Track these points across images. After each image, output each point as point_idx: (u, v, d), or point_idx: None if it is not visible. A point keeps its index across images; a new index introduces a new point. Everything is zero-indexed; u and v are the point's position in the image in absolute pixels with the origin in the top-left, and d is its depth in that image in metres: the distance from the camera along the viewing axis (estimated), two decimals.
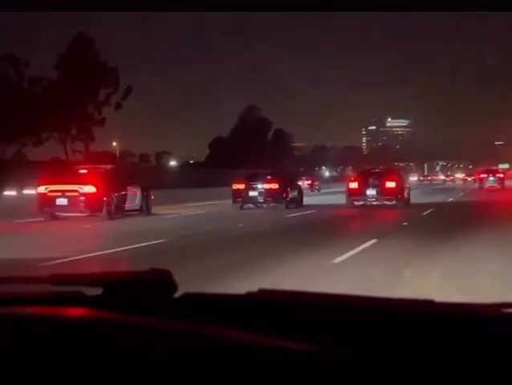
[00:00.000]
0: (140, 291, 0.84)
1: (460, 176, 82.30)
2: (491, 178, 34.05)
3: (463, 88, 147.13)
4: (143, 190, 14.18)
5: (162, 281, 0.85)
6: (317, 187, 36.30)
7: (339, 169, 76.08)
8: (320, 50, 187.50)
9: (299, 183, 19.58)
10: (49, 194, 12.97)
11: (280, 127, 56.96)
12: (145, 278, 0.85)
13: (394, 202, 15.14)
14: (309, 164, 61.57)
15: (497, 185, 32.38)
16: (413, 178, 72.08)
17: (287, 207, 15.83)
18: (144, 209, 14.09)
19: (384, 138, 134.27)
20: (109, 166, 15.17)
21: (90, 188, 12.74)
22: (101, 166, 14.59)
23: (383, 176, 15.67)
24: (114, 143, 55.70)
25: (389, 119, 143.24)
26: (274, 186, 16.21)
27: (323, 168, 70.23)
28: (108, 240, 8.67)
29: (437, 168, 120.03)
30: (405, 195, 15.91)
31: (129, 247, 7.52)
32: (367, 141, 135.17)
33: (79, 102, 33.74)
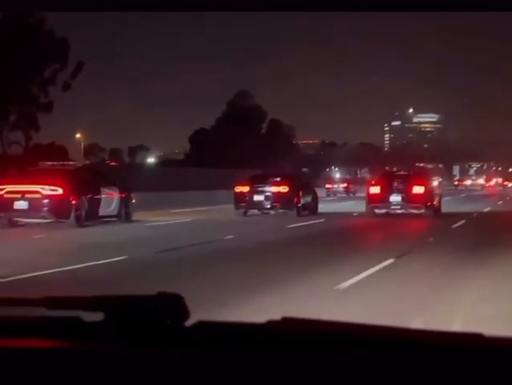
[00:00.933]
0: (146, 318, 0.84)
1: (493, 181, 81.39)
2: None
3: (502, 81, 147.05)
4: (121, 193, 13.68)
5: (172, 307, 0.85)
6: (353, 190, 36.65)
7: (353, 171, 74.55)
8: (335, 33, 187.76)
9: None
10: (5, 196, 12.41)
11: (276, 118, 54.84)
12: (152, 303, 0.86)
13: (422, 211, 14.73)
14: (316, 163, 60.28)
15: None
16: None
17: (299, 214, 15.36)
18: (123, 216, 13.70)
19: (410, 135, 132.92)
20: (80, 163, 14.59)
21: (55, 190, 12.25)
22: (71, 163, 14.02)
23: (410, 180, 15.20)
24: (78, 135, 54.74)
25: (416, 114, 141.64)
26: (284, 189, 15.56)
27: (334, 168, 68.99)
28: (55, 255, 7.92)
29: (471, 170, 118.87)
30: (435, 202, 15.40)
31: (77, 266, 6.86)
32: (391, 138, 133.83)
33: (19, 80, 29.19)
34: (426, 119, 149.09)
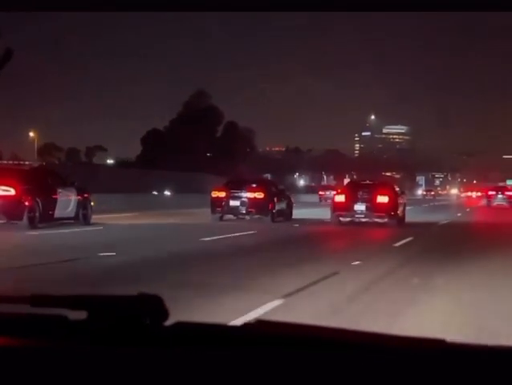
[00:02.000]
0: (128, 317, 0.89)
1: (454, 191, 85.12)
2: (500, 196, 36.85)
3: (469, 96, 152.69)
4: (79, 194, 13.58)
5: (151, 307, 0.90)
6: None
7: (317, 178, 74.83)
8: (310, 40, 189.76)
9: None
10: None
11: (233, 120, 53.17)
12: (133, 303, 0.91)
13: (386, 220, 15.18)
14: (279, 169, 60.21)
15: (505, 204, 34.89)
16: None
17: (273, 220, 16.09)
18: (81, 218, 13.53)
19: (380, 145, 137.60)
20: (36, 163, 14.38)
21: (7, 190, 12.22)
22: (24, 163, 13.81)
23: (374, 189, 15.65)
24: (31, 134, 53.49)
25: (386, 125, 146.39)
26: (259, 195, 16.23)
27: (297, 174, 69.23)
28: None
29: (437, 181, 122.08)
30: (399, 212, 15.89)
31: None
32: (361, 148, 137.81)
33: None
34: (395, 131, 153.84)
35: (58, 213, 13.17)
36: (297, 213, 17.95)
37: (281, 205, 16.83)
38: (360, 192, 15.41)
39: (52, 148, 63.52)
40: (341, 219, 15.38)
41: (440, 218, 19.92)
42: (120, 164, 54.82)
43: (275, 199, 16.57)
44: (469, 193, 70.94)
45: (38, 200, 12.60)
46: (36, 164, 14.35)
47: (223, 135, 51.72)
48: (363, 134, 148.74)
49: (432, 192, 76.34)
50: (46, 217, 12.77)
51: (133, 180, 31.82)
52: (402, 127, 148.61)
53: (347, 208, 15.24)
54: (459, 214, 24.65)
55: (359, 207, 15.19)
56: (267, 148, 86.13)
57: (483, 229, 16.41)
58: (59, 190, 13.29)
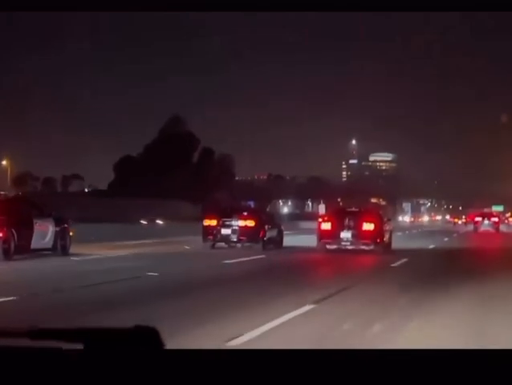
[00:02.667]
0: (123, 349, 0.92)
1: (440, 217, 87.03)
2: (486, 222, 38.19)
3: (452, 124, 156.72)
4: (57, 225, 13.41)
5: (148, 339, 0.92)
6: None
7: (301, 205, 74.67)
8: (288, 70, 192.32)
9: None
10: None
11: (208, 146, 52.51)
12: (129, 336, 0.93)
13: (372, 247, 15.30)
14: (262, 196, 60.02)
15: (491, 229, 36.36)
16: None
17: (264, 248, 16.30)
18: (59, 248, 13.38)
19: (367, 173, 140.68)
20: (11, 193, 14.16)
21: None
22: (1, 193, 13.61)
23: (360, 217, 15.79)
24: (3, 162, 53.02)
25: (372, 153, 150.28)
26: (250, 223, 16.52)
27: (281, 202, 69.17)
28: None
29: (423, 208, 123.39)
30: (386, 239, 16.05)
31: None
32: (348, 176, 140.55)
33: None
34: (382, 158, 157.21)
35: (34, 244, 13.02)
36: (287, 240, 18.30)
37: (272, 233, 17.15)
38: (346, 220, 15.52)
39: (28, 177, 62.93)
40: (327, 246, 15.47)
41: (427, 244, 20.27)
42: (92, 193, 54.30)
43: (266, 227, 16.87)
44: (456, 220, 72.25)
45: (14, 230, 12.43)
46: (12, 194, 14.06)
47: (199, 162, 51.27)
48: (350, 162, 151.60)
49: (420, 219, 77.52)
50: (21, 248, 12.62)
51: (109, 208, 31.69)
52: (388, 154, 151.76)
53: (333, 235, 15.40)
54: (446, 239, 25.86)
55: (345, 234, 15.33)
56: (255, 177, 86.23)
57: (472, 256, 16.56)
58: (36, 220, 13.13)
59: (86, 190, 61.21)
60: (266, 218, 17.71)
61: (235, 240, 16.30)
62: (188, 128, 51.48)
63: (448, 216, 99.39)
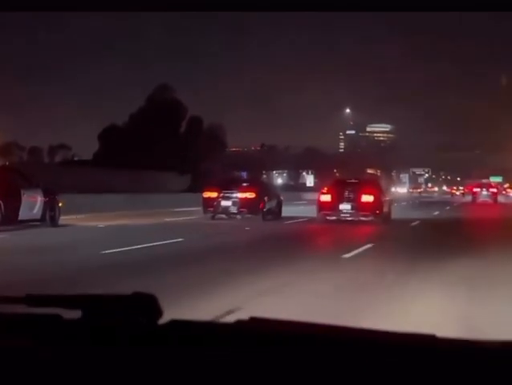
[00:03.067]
0: (122, 316, 0.92)
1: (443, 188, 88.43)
2: (484, 192, 38.33)
3: (451, 95, 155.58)
4: (46, 195, 13.18)
5: (146, 306, 0.92)
6: None
7: (295, 176, 73.60)
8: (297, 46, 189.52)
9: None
10: None
11: (196, 114, 50.66)
12: (127, 302, 0.93)
13: (371, 218, 15.48)
14: (255, 167, 59.26)
15: (490, 200, 36.63)
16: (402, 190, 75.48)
17: (264, 218, 16.64)
18: (48, 219, 13.17)
19: (364, 144, 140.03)
20: None
21: None
22: None
23: (359, 189, 15.96)
24: None
25: (370, 124, 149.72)
26: (250, 195, 16.79)
27: (274, 172, 68.63)
28: None
29: (421, 179, 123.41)
30: (385, 210, 16.24)
31: None
32: (346, 147, 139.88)
33: None
34: (379, 129, 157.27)
35: (22, 215, 12.88)
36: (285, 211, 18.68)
37: (271, 204, 17.45)
38: (346, 192, 15.73)
39: (14, 147, 62.28)
40: (327, 217, 15.67)
41: (425, 215, 20.48)
42: (77, 163, 53.56)
43: (266, 198, 17.12)
44: (453, 191, 72.90)
45: (1, 201, 12.17)
46: None
47: (186, 131, 49.53)
48: (348, 132, 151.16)
49: (419, 190, 78.00)
50: (9, 219, 12.47)
51: (94, 178, 31.38)
52: (386, 125, 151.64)
53: (332, 207, 15.67)
54: (448, 208, 27.48)
55: (345, 206, 15.63)
56: (251, 148, 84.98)
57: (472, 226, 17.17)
58: (24, 191, 12.94)
59: (75, 160, 60.47)
60: (266, 189, 18.06)
61: (235, 211, 16.56)
62: (176, 96, 49.91)
63: (445, 187, 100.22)
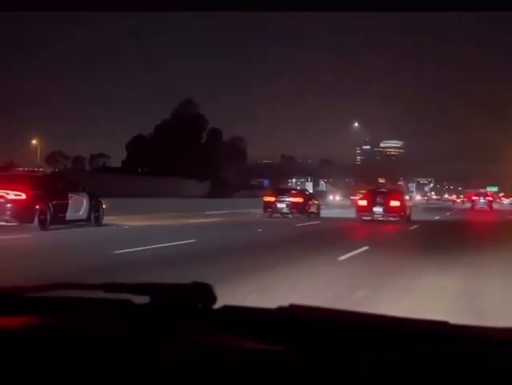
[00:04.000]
0: (183, 302, 1.03)
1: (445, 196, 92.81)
2: (481, 200, 43.06)
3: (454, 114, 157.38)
4: (91, 198, 13.85)
5: (203, 293, 1.03)
6: None
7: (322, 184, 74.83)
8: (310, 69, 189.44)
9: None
10: None
11: (216, 127, 53.04)
12: (188, 290, 1.04)
13: (397, 218, 18.92)
14: (275, 175, 60.49)
15: (486, 207, 41.21)
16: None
17: (309, 217, 20.60)
18: (92, 220, 13.80)
19: (378, 158, 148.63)
20: (49, 170, 14.63)
21: (19, 195, 12.48)
22: (38, 170, 14.12)
23: (388, 196, 19.60)
24: (34, 142, 53.72)
25: (383, 140, 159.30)
26: (299, 200, 21.41)
27: (294, 180, 70.04)
28: None
29: (426, 188, 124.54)
30: (407, 212, 19.85)
31: None
32: (362, 160, 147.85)
33: None
34: (391, 145, 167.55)
35: (70, 216, 13.55)
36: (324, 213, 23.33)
37: (314, 207, 22.15)
38: (378, 198, 19.36)
39: (59, 156, 64.98)
40: (363, 218, 19.05)
41: (435, 217, 25.06)
42: (108, 170, 54.96)
43: (310, 202, 21.87)
44: (454, 199, 77.41)
45: (50, 203, 12.84)
46: (49, 171, 14.56)
47: (206, 142, 52.05)
48: (364, 147, 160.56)
49: (425, 198, 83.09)
50: (57, 219, 13.02)
51: (122, 184, 32.06)
52: (397, 141, 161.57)
53: (368, 210, 19.25)
54: (448, 213, 31.01)
55: (377, 209, 19.19)
56: (274, 160, 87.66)
57: (469, 225, 21.12)
58: (71, 194, 13.57)
59: (107, 166, 61.72)
60: (310, 196, 23.25)
61: (288, 212, 20.81)
62: (198, 111, 52.14)
63: (447, 195, 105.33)
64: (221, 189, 43.78)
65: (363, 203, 19.63)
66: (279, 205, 21.02)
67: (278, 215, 20.77)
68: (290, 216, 20.61)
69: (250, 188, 49.94)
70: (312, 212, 21.55)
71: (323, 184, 76.93)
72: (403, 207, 19.23)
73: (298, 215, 20.52)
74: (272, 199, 21.30)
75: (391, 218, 18.66)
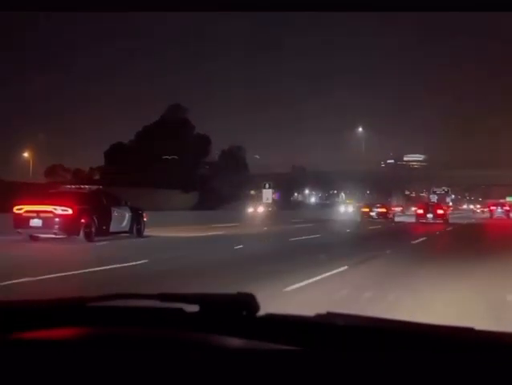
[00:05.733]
0: (229, 310, 1.16)
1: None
2: (499, 210, 49.45)
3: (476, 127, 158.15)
4: (133, 211, 15.71)
5: (247, 302, 1.16)
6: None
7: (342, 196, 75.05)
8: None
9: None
10: (24, 214, 14.11)
11: (204, 132, 48.78)
12: (233, 299, 1.17)
13: (441, 221, 31.28)
14: (286, 185, 60.24)
15: (503, 216, 47.98)
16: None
17: (392, 222, 33.25)
18: (135, 231, 15.60)
19: (401, 171, 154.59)
20: (94, 187, 16.36)
21: (66, 210, 14.20)
22: (84, 186, 15.78)
23: (436, 206, 33.75)
24: (25, 154, 54.79)
25: (406, 154, 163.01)
26: (384, 209, 35.86)
27: (307, 192, 69.42)
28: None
29: (448, 198, 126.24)
30: (447, 217, 33.01)
31: None
32: (386, 173, 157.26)
33: None
34: (414, 159, 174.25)
35: (113, 228, 15.32)
36: None
37: (390, 214, 35.77)
38: (429, 208, 32.85)
39: (59, 169, 66.17)
40: (420, 221, 31.66)
41: (463, 221, 35.35)
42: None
43: (391, 210, 36.48)
44: (475, 208, 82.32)
45: (94, 217, 14.53)
46: (94, 188, 16.32)
47: (194, 150, 48.12)
48: (388, 161, 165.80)
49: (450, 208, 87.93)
50: (101, 232, 14.91)
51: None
52: (420, 155, 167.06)
53: (423, 215, 32.27)
54: (473, 220, 40.10)
55: (429, 215, 32.16)
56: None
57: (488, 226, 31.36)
58: (114, 208, 15.34)
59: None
60: (390, 206, 38.35)
61: (376, 218, 33.75)
62: (186, 116, 48.74)
63: (465, 206, 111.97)
64: (210, 201, 41.63)
65: (420, 211, 32.96)
66: (372, 214, 34.63)
67: (370, 219, 33.52)
68: (377, 220, 32.76)
69: (246, 199, 47.35)
70: (390, 218, 34.43)
71: (342, 196, 76.76)
72: (445, 213, 32.48)
73: (383, 220, 32.76)
74: (367, 209, 35.48)
75: (437, 221, 31.15)
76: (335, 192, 78.36)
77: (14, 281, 7.13)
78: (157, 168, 43.25)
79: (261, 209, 39.98)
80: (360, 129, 67.19)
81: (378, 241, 16.57)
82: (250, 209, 40.78)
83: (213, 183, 45.21)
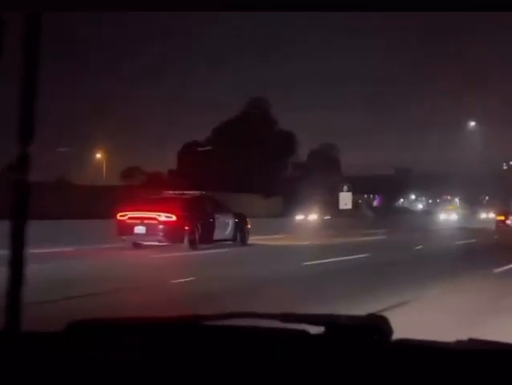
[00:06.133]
0: (358, 334, 1.11)
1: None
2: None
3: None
4: (236, 218, 15.49)
5: (379, 325, 1.12)
6: None
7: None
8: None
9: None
10: (128, 221, 14.10)
11: (288, 129, 43.76)
12: (363, 322, 1.14)
13: None
14: (390, 188, 57.96)
15: None
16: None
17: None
18: (238, 239, 15.57)
19: None
20: (197, 192, 15.99)
21: (170, 217, 14.37)
22: (187, 192, 15.50)
23: None
24: (98, 155, 53.29)
25: None
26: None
27: (413, 196, 67.64)
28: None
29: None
30: None
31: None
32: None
33: None
34: None
35: (217, 236, 15.62)
36: None
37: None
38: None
39: (136, 171, 67.40)
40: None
41: None
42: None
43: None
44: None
45: (198, 224, 14.55)
46: (197, 193, 15.93)
47: (278, 150, 43.05)
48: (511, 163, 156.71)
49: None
50: (205, 239, 15.26)
51: None
52: None
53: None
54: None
55: (509, 222, 36.24)
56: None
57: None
58: (217, 215, 15.61)
59: None
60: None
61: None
62: (269, 111, 43.86)
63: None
64: (295, 206, 37.45)
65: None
66: (508, 222, 37.36)
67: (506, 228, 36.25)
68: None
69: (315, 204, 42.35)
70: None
71: (456, 202, 73.12)
72: None
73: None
74: (503, 217, 37.53)
75: None
76: (448, 197, 73.71)
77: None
78: (236, 169, 39.83)
79: (312, 217, 33.95)
80: (473, 123, 52.11)
81: None
82: (300, 217, 33.66)
83: (299, 186, 40.65)
